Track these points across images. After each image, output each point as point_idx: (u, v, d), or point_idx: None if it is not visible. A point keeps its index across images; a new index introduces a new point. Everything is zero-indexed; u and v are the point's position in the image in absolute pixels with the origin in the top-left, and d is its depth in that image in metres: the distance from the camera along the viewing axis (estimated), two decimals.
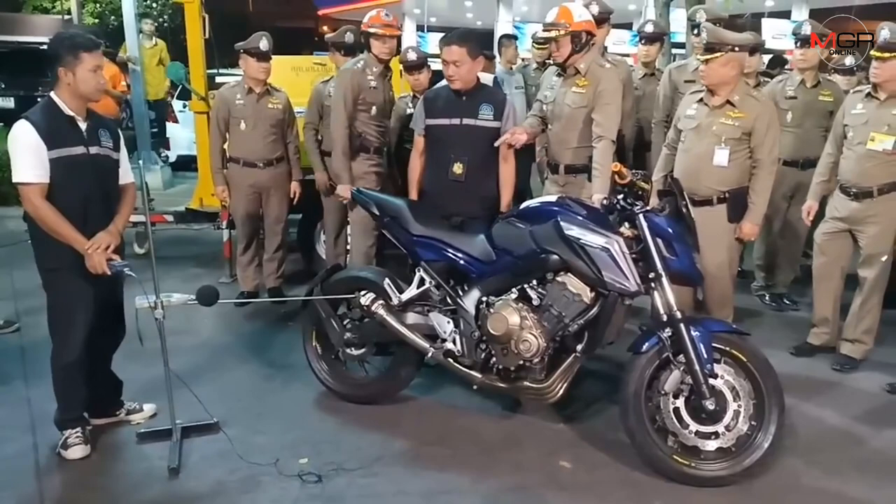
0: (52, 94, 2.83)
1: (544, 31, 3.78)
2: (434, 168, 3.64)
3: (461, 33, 3.57)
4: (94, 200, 2.85)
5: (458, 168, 3.53)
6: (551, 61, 4.03)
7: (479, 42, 3.60)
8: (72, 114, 2.81)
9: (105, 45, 2.97)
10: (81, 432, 2.95)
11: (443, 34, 3.86)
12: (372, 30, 4.14)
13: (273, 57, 4.57)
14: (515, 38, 6.96)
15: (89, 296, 2.86)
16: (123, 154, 3.03)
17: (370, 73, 4.19)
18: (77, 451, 2.91)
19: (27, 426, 3.11)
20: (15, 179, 2.73)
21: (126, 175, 3.04)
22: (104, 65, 2.91)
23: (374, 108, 4.24)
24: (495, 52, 6.74)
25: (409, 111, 4.68)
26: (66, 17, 14.74)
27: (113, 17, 16.48)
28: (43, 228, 2.75)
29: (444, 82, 3.68)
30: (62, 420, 2.96)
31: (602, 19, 4.43)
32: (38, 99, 2.96)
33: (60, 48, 2.80)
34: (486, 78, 4.73)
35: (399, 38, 4.33)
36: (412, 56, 4.74)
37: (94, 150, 2.85)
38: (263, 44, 4.39)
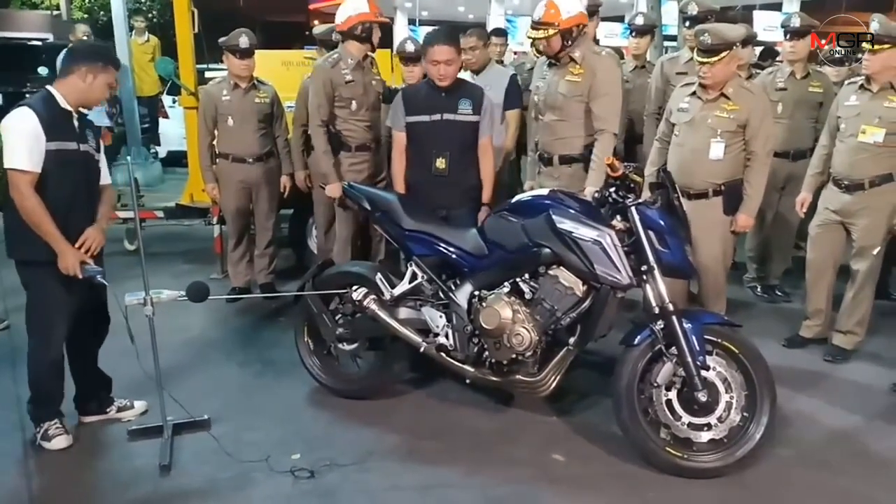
0: (50, 87, 2.83)
1: (533, 28, 3.67)
2: (417, 164, 3.63)
3: (448, 33, 3.56)
4: (80, 197, 2.86)
5: (440, 163, 3.55)
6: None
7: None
8: (69, 108, 2.83)
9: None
10: (60, 423, 2.94)
11: (434, 28, 3.85)
12: (375, 20, 4.01)
13: (263, 51, 4.53)
14: (506, 33, 6.93)
15: (71, 289, 2.84)
16: (102, 156, 3.04)
17: (344, 66, 4.05)
18: (61, 441, 2.91)
19: (16, 424, 3.09)
20: (7, 165, 2.71)
21: (105, 176, 3.04)
22: None
23: (353, 102, 4.08)
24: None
25: None
26: (55, 12, 14.65)
27: (102, 13, 16.37)
28: (24, 219, 2.73)
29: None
30: (38, 414, 2.96)
31: (591, 11, 4.41)
32: (27, 95, 2.96)
33: (96, 52, 2.91)
34: (507, 72, 4.70)
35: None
36: (411, 48, 4.68)
37: (83, 147, 2.87)
38: (243, 40, 4.34)
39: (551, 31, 3.58)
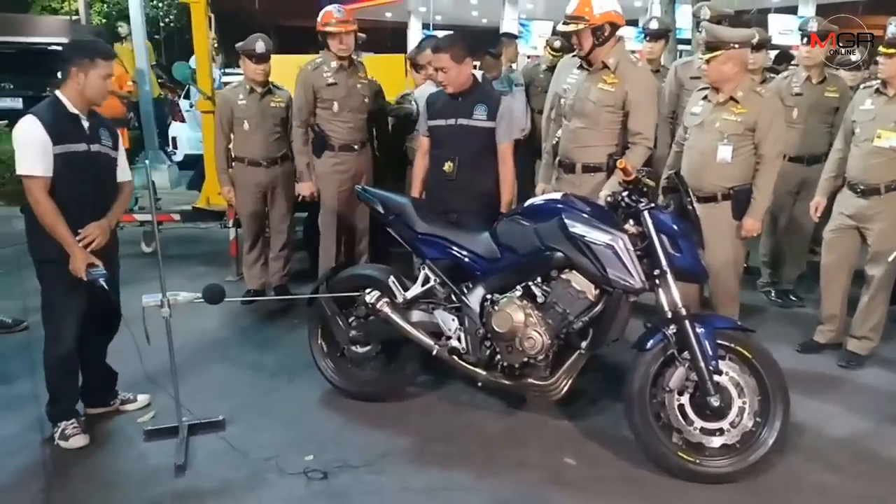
0: (57, 92, 2.91)
1: (564, 23, 3.56)
2: (432, 167, 3.74)
3: (445, 39, 3.65)
4: (91, 196, 2.93)
5: (448, 167, 3.61)
6: (573, 55, 3.81)
7: (465, 45, 3.57)
8: (76, 112, 2.89)
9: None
10: (77, 422, 3.01)
11: (448, 32, 3.88)
12: (327, 28, 4.21)
13: (278, 56, 4.59)
14: (516, 37, 6.96)
15: (84, 288, 2.90)
16: (122, 153, 3.12)
17: (326, 69, 4.25)
18: (79, 440, 2.97)
19: (35, 424, 3.14)
20: (19, 171, 2.81)
21: (124, 173, 3.12)
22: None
23: (335, 104, 4.26)
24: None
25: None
26: (74, 18, 14.79)
27: (119, 21, 16.54)
28: (39, 221, 2.82)
29: None
30: (55, 412, 3.02)
31: None
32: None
33: (79, 50, 2.94)
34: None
35: (356, 33, 4.32)
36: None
37: (94, 147, 2.94)
38: (259, 45, 4.41)
39: (581, 25, 3.42)
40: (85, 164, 2.89)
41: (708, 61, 3.46)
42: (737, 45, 3.43)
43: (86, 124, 2.92)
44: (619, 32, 3.58)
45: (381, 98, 4.73)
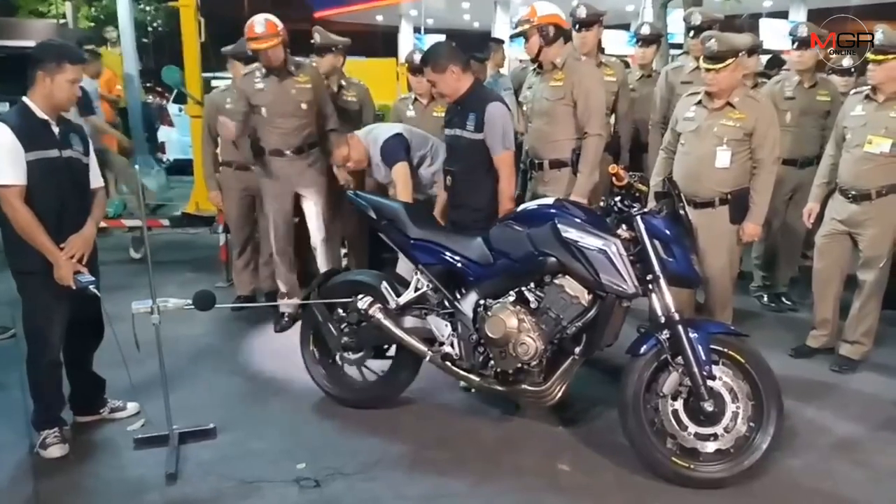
0: (24, 98, 2.84)
1: (516, 28, 3.87)
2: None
3: (427, 52, 3.61)
4: (69, 203, 2.88)
5: (448, 179, 3.60)
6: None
7: (443, 55, 3.43)
8: (45, 117, 2.83)
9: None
10: (59, 432, 2.97)
11: (441, 36, 3.87)
12: (251, 45, 4.01)
13: None
14: (502, 42, 6.97)
15: (66, 297, 2.86)
16: (93, 158, 3.05)
17: (257, 76, 4.13)
18: (56, 451, 2.93)
19: (24, 432, 3.10)
20: None
21: (96, 179, 3.06)
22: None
23: (263, 109, 4.11)
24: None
25: (408, 113, 4.67)
26: (62, 21, 14.71)
27: (107, 26, 16.48)
28: (17, 232, 2.76)
29: None
30: (39, 420, 2.99)
31: (591, 21, 4.44)
32: None
33: (46, 53, 2.85)
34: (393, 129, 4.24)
35: (283, 42, 4.03)
36: (418, 59, 4.72)
37: (66, 153, 2.88)
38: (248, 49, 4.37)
39: (527, 27, 3.71)
40: (59, 170, 2.84)
41: (718, 70, 3.42)
42: (745, 53, 3.47)
43: (56, 130, 2.86)
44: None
45: (368, 101, 4.74)
